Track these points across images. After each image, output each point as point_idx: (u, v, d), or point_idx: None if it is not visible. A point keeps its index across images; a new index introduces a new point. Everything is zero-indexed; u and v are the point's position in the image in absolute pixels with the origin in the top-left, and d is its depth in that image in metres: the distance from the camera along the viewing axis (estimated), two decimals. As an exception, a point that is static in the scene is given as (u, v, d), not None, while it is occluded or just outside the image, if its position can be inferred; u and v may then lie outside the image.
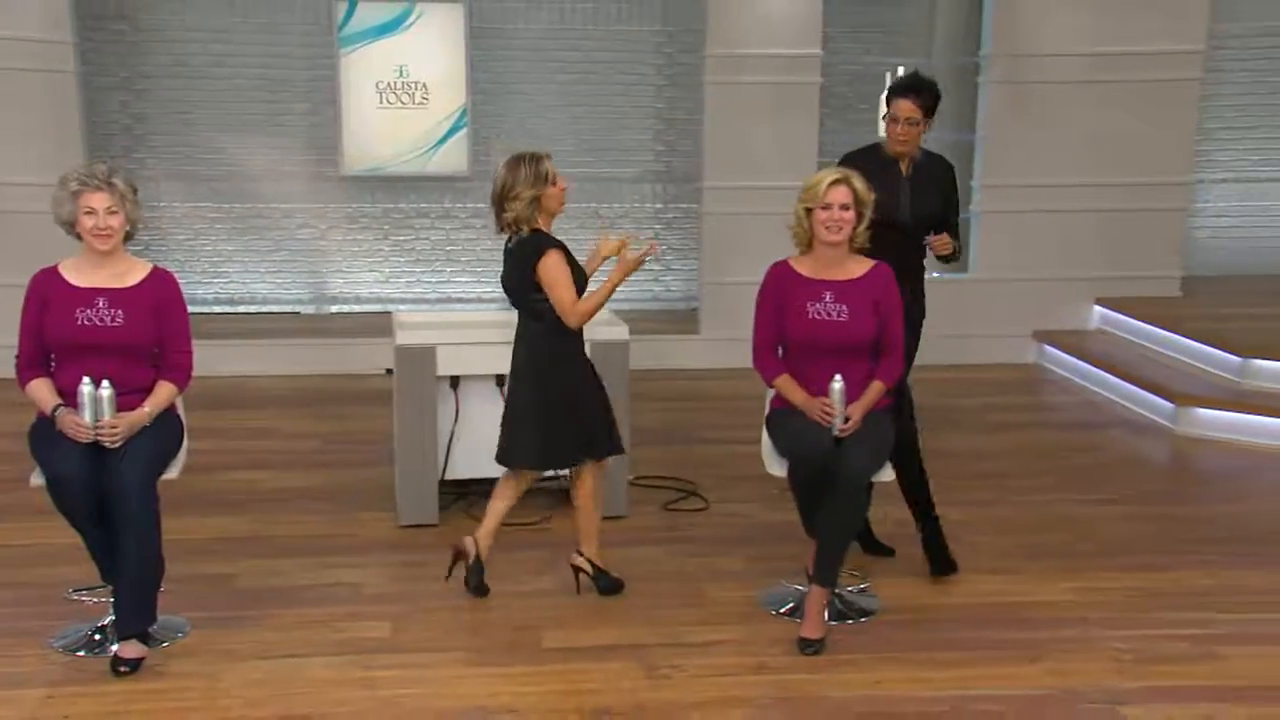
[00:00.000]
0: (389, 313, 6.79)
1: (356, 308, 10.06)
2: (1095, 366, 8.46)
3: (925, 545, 5.11)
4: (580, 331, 4.79)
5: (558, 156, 10.14)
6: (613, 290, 4.69)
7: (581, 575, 4.96)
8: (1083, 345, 8.85)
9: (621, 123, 9.97)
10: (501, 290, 4.96)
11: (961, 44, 9.60)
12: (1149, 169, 9.26)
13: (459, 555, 4.93)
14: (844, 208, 4.51)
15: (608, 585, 4.94)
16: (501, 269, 4.92)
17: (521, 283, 4.75)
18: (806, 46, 8.97)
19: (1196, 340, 8.03)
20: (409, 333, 5.71)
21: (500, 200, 4.74)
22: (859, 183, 4.55)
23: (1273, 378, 7.40)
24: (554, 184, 4.72)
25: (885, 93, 5.16)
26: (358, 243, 10.02)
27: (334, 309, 10.07)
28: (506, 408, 4.90)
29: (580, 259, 4.84)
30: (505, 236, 4.83)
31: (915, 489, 5.10)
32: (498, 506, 4.94)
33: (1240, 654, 4.43)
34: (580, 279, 4.74)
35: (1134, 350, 8.62)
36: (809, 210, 4.57)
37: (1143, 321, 8.73)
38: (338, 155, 9.70)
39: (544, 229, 4.74)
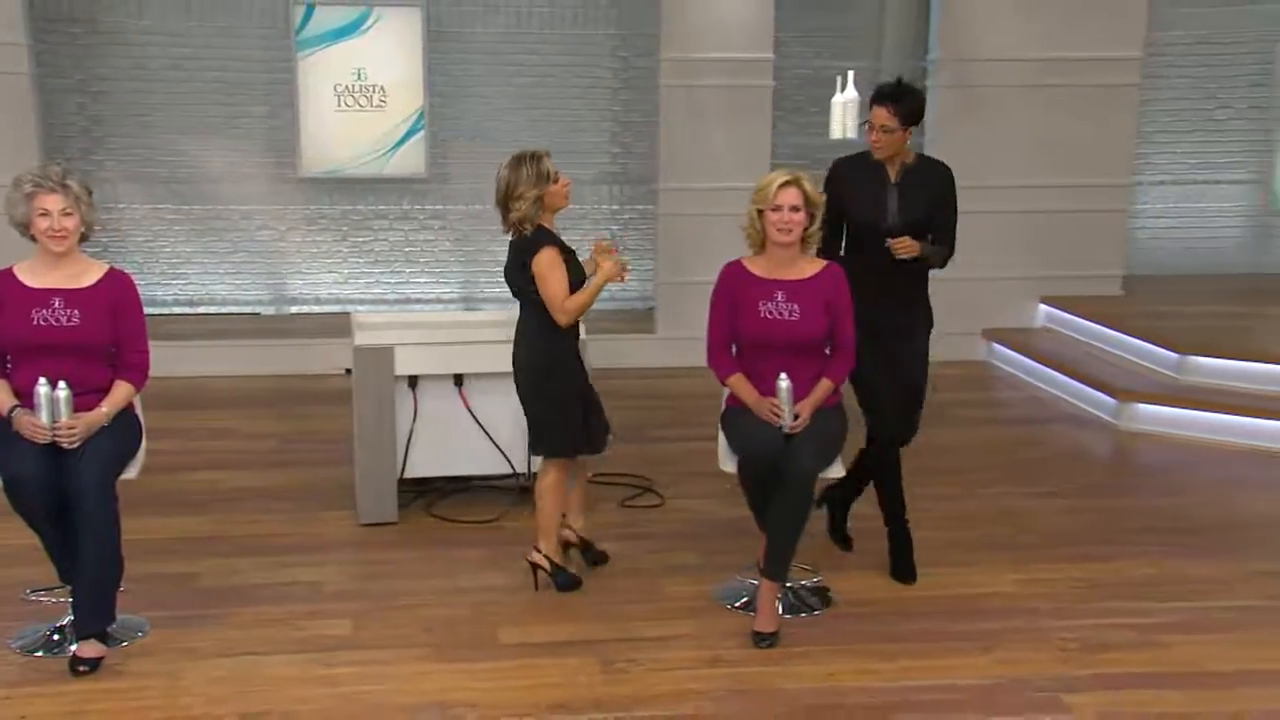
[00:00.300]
0: (348, 313, 6.74)
1: (316, 308, 9.97)
2: (1041, 364, 8.52)
3: (894, 547, 5.12)
4: (575, 330, 4.87)
5: (515, 159, 10.10)
6: (597, 292, 4.78)
7: (540, 572, 4.94)
8: (1029, 343, 8.91)
9: (578, 125, 9.94)
10: (505, 283, 5.02)
11: (910, 48, 9.65)
12: (1091, 171, 9.35)
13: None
14: (794, 209, 4.52)
15: (565, 581, 4.93)
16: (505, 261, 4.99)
17: (519, 276, 4.82)
18: (758, 51, 8.99)
19: (1137, 338, 8.11)
20: (367, 333, 5.67)
21: (505, 201, 4.80)
22: (809, 185, 4.57)
23: (1210, 373, 7.48)
24: (555, 181, 4.80)
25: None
26: (317, 244, 9.94)
27: (293, 310, 9.98)
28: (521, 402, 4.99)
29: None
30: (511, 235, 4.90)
31: (889, 491, 5.09)
32: (556, 505, 4.95)
33: (1181, 641, 4.48)
34: (578, 276, 4.79)
35: (1078, 347, 8.69)
36: (760, 212, 4.58)
37: (1086, 319, 8.80)
38: (296, 158, 9.62)
39: (548, 226, 4.81)
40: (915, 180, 4.95)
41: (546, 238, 4.77)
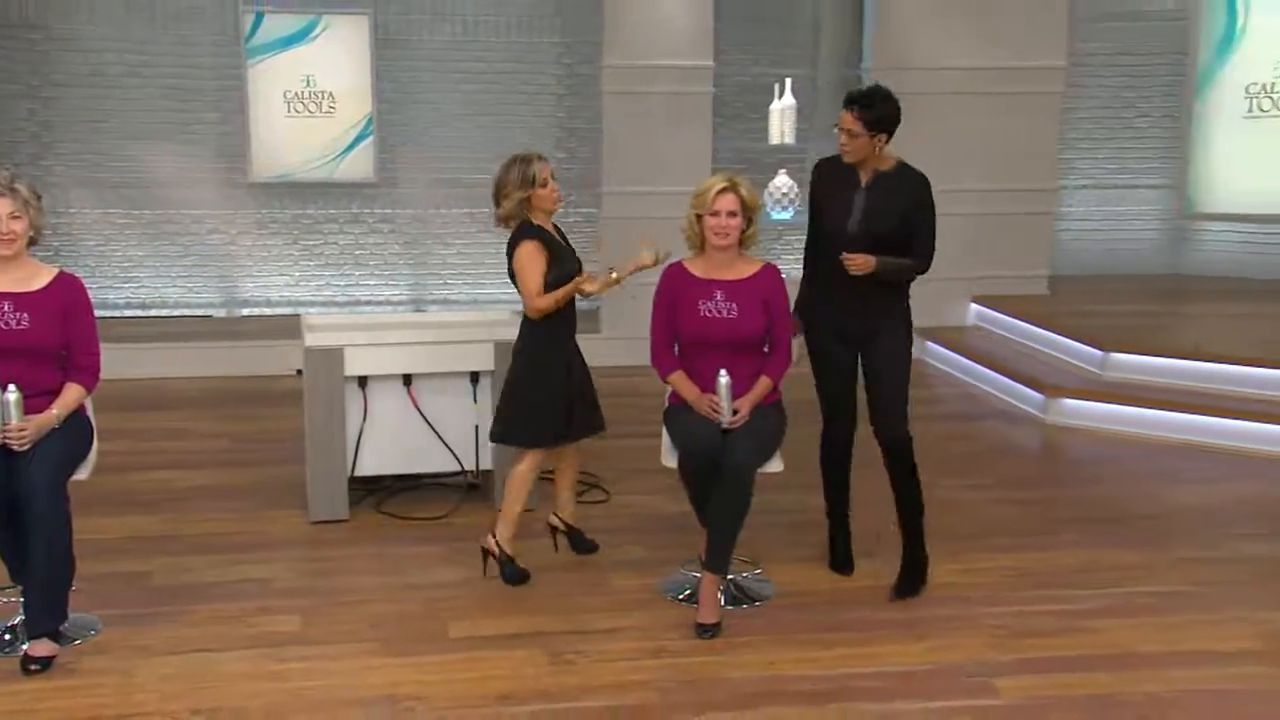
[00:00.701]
0: (299, 315, 6.67)
1: (268, 311, 9.88)
2: (972, 361, 8.60)
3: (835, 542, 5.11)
4: (562, 324, 4.90)
5: (461, 163, 10.18)
6: (566, 296, 4.80)
7: (490, 559, 4.95)
8: (961, 341, 8.99)
9: (524, 131, 9.90)
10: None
11: (845, 57, 9.71)
12: (1018, 176, 9.46)
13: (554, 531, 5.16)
14: (731, 215, 4.54)
15: (513, 574, 4.91)
16: None
17: (508, 267, 4.90)
18: (699, 58, 9.01)
19: (1063, 335, 8.20)
20: (317, 335, 5.61)
21: (496, 198, 4.90)
22: (745, 190, 4.58)
23: (1131, 369, 7.58)
24: (543, 186, 4.83)
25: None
26: (267, 247, 9.84)
27: (245, 312, 9.88)
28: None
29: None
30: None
31: (839, 491, 5.09)
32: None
33: (1105, 626, 4.52)
34: (565, 271, 4.83)
35: (1008, 345, 8.78)
36: (699, 216, 4.59)
37: (1015, 318, 8.89)
38: (247, 163, 9.52)
39: (537, 223, 4.86)
40: (887, 187, 4.71)
41: (529, 233, 4.83)
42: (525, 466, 4.92)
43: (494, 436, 5.01)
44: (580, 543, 5.22)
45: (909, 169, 4.78)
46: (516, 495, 4.93)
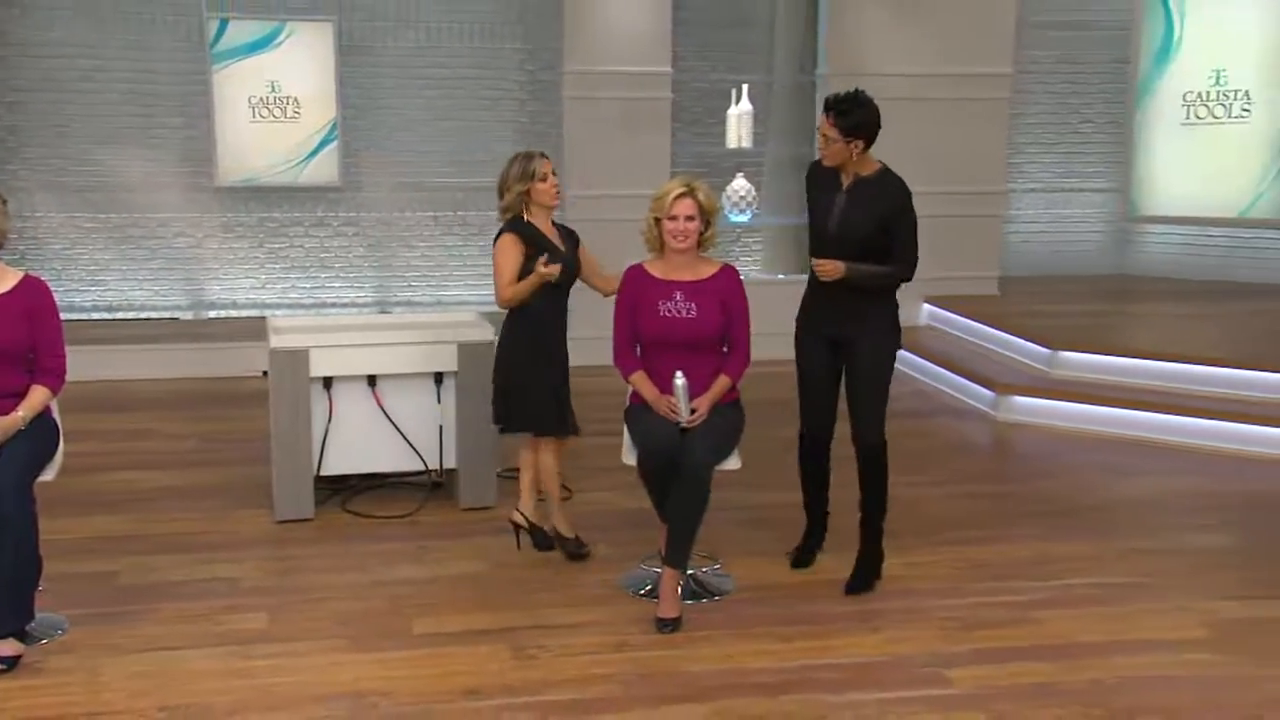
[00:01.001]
0: (265, 317, 6.62)
1: (234, 313, 9.79)
2: (925, 359, 8.64)
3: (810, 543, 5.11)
4: (543, 320, 4.97)
5: (426, 167, 10.16)
6: (530, 287, 4.88)
7: (520, 532, 5.14)
8: (914, 340, 9.01)
9: (487, 136, 9.88)
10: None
11: (800, 64, 9.74)
12: (969, 180, 9.52)
13: (517, 528, 5.19)
14: (689, 219, 4.55)
15: (540, 540, 5.13)
16: None
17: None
18: (657, 64, 9.02)
19: (1013, 334, 8.26)
20: (283, 336, 5.57)
21: (500, 191, 5.03)
22: (703, 194, 4.59)
23: (1078, 367, 7.64)
24: (543, 180, 4.93)
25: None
26: (233, 250, 9.76)
27: (211, 314, 9.79)
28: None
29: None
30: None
31: (814, 490, 5.08)
32: (524, 477, 5.18)
33: (1053, 616, 4.56)
34: (555, 260, 4.90)
35: (959, 344, 8.83)
36: (658, 219, 4.60)
37: (966, 318, 8.95)
38: (212, 167, 9.44)
39: (533, 218, 4.98)
40: (865, 193, 4.65)
41: (508, 226, 4.97)
42: (543, 454, 5.12)
43: (496, 419, 5.17)
44: (538, 538, 5.21)
45: (890, 176, 4.71)
46: (546, 482, 5.15)
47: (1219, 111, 9.57)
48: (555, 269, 4.87)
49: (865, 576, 4.83)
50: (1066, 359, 7.71)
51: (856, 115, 4.58)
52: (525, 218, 4.99)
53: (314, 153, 9.54)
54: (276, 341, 5.50)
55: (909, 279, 4.71)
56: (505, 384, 5.07)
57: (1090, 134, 10.73)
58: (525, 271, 4.92)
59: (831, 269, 4.60)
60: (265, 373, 5.59)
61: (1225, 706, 3.89)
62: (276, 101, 9.44)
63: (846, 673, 4.10)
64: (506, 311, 5.04)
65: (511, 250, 4.93)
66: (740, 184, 8.90)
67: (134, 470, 6.38)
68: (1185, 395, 7.15)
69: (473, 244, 9.98)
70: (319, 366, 5.50)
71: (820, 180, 4.81)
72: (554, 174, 5.02)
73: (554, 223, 5.11)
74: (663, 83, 9.06)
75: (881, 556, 4.89)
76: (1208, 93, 9.60)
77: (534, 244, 4.95)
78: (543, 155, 5.02)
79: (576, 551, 5.12)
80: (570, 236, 5.16)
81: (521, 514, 5.20)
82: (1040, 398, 7.46)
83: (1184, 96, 9.71)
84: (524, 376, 5.02)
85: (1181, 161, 9.75)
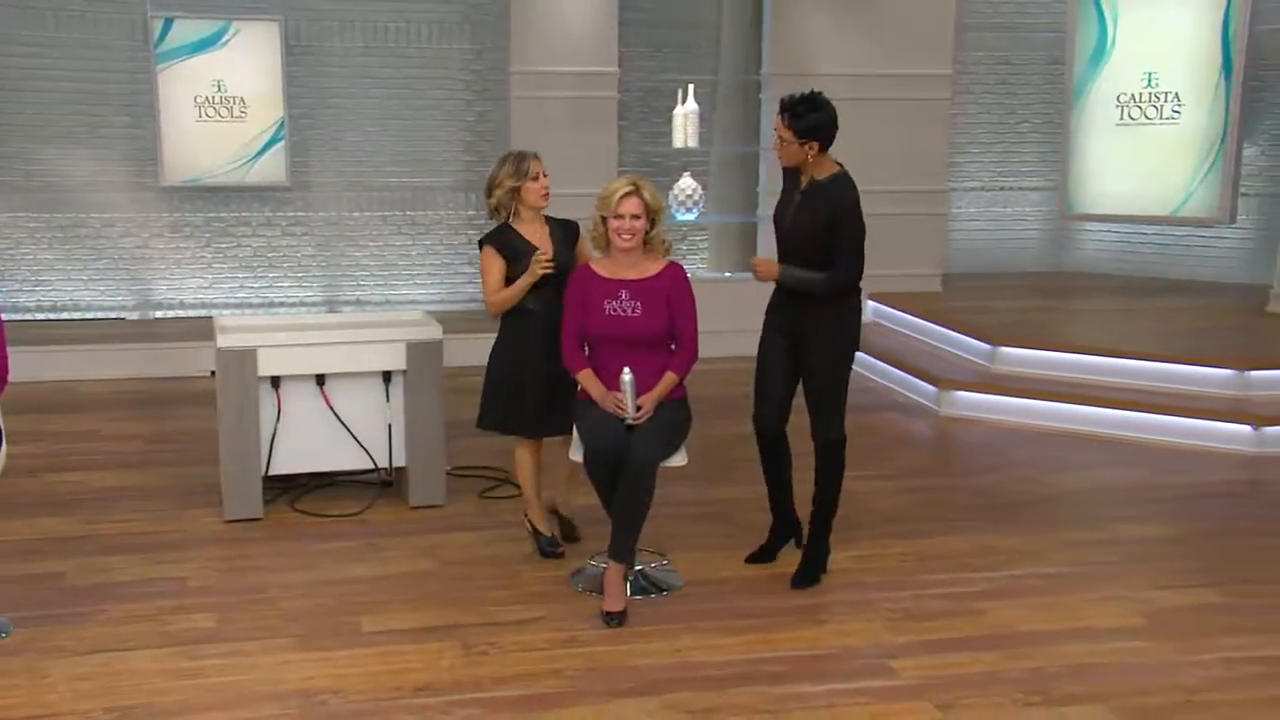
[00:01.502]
0: (212, 317, 6.54)
1: (181, 313, 9.66)
2: (871, 356, 8.67)
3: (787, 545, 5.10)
4: (525, 325, 4.96)
5: (375, 167, 10.08)
6: (518, 292, 4.88)
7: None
8: (860, 337, 9.05)
9: (435, 136, 9.82)
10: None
11: (745, 64, 9.76)
12: (911, 179, 9.60)
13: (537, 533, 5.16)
14: (634, 217, 4.55)
15: (543, 546, 5.10)
16: None
17: None
18: (603, 64, 9.02)
19: (955, 331, 8.33)
20: (230, 336, 5.50)
21: (489, 189, 5.04)
22: (649, 193, 4.58)
23: (1017, 362, 7.72)
24: (534, 179, 4.93)
25: None
26: (180, 250, 9.63)
27: (158, 314, 9.66)
28: None
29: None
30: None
31: (774, 485, 5.07)
32: (522, 477, 5.19)
33: (995, 607, 4.60)
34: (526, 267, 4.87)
35: (903, 340, 8.89)
36: (604, 218, 4.59)
37: (910, 315, 9.02)
38: (158, 167, 9.31)
39: (518, 220, 5.00)
40: (817, 195, 4.63)
41: (486, 238, 5.00)
42: (517, 452, 5.13)
43: (478, 420, 5.17)
44: (566, 531, 5.26)
45: (840, 182, 4.65)
46: (520, 478, 5.18)
47: (1151, 113, 9.70)
48: (538, 268, 4.83)
49: (812, 570, 4.84)
50: (1007, 354, 7.78)
51: (811, 118, 4.56)
52: (510, 220, 4.98)
53: (261, 152, 9.44)
54: (224, 341, 5.44)
55: (848, 286, 4.69)
56: (490, 384, 5.07)
57: (1027, 134, 10.85)
58: (517, 273, 4.90)
59: (766, 272, 4.65)
60: (213, 372, 5.52)
61: (1159, 691, 3.95)
62: (223, 101, 9.32)
63: (794, 665, 4.11)
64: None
65: (490, 262, 4.94)
66: (687, 183, 8.91)
67: (81, 471, 6.28)
68: (1123, 389, 7.24)
69: (421, 243, 9.92)
70: (267, 366, 5.45)
71: (787, 176, 4.82)
72: (545, 175, 5.02)
73: (548, 218, 5.07)
74: (609, 82, 9.05)
75: (828, 551, 4.91)
76: (1140, 94, 9.73)
77: (512, 250, 4.93)
78: (535, 156, 5.02)
79: (551, 549, 5.11)
80: (566, 229, 5.10)
81: (529, 520, 5.20)
82: (982, 393, 7.53)
83: (1117, 98, 9.83)
84: (509, 376, 4.98)
85: (1116, 161, 9.87)
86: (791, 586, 4.77)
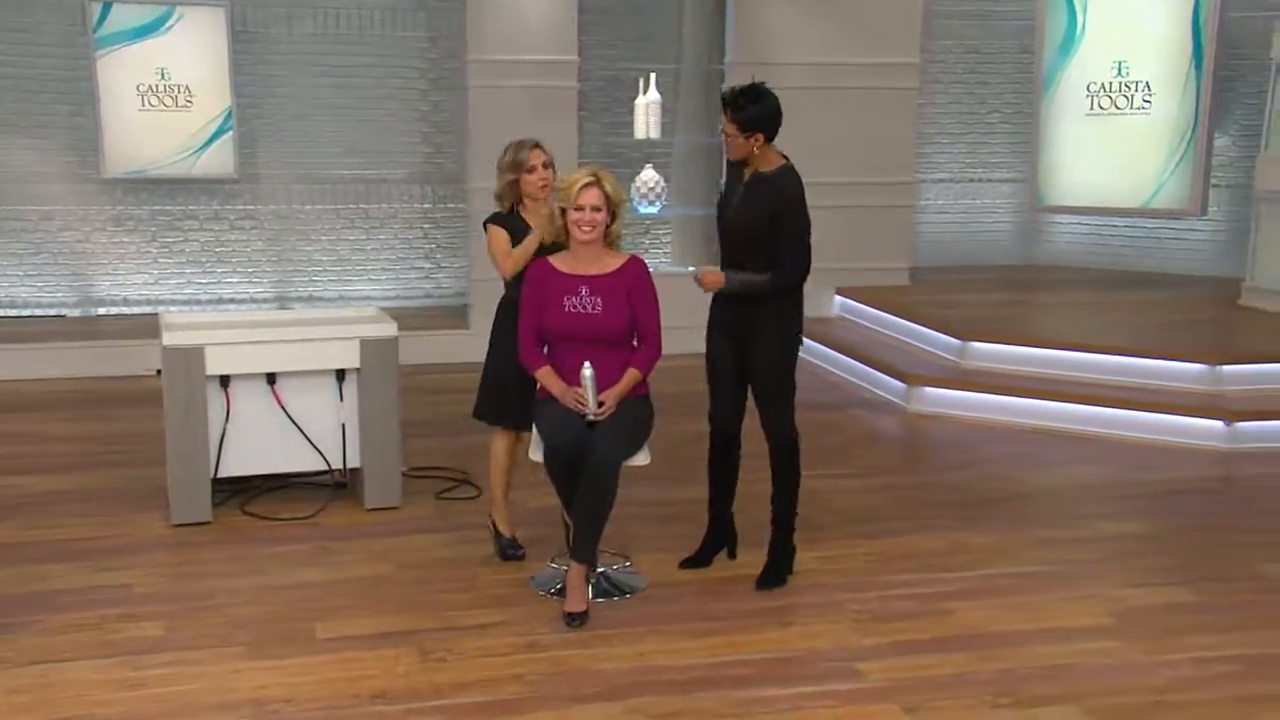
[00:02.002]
0: (158, 314, 6.49)
1: (126, 310, 9.57)
2: (837, 351, 8.72)
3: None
4: (515, 309, 4.89)
5: (327, 158, 10.02)
6: (526, 252, 4.83)
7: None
8: (826, 332, 9.10)
9: (390, 126, 9.77)
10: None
11: (708, 53, 9.77)
12: (878, 170, 9.65)
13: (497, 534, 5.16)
14: (595, 209, 4.54)
15: (501, 549, 5.09)
16: None
17: None
18: (563, 53, 9.00)
19: (924, 325, 8.38)
20: (176, 334, 5.45)
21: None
22: (609, 185, 4.58)
23: (987, 358, 7.78)
24: (530, 172, 4.92)
25: None
26: (124, 245, 9.53)
27: (101, 312, 9.56)
28: None
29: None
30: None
31: (718, 487, 5.08)
32: (494, 470, 5.16)
33: (965, 607, 4.65)
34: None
35: (870, 335, 8.93)
36: (564, 210, 4.58)
37: (877, 309, 9.06)
38: (99, 157, 9.21)
39: (524, 208, 4.99)
40: (760, 189, 4.64)
41: (491, 217, 5.01)
42: (493, 445, 5.12)
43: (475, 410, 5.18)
44: (508, 548, 5.18)
45: (784, 175, 4.66)
46: (491, 474, 5.15)
47: (1121, 102, 9.81)
48: (544, 226, 4.81)
49: (777, 571, 4.87)
50: (977, 349, 7.83)
51: (752, 110, 4.56)
52: (518, 210, 4.99)
53: (208, 143, 9.35)
54: (169, 339, 5.39)
55: (794, 285, 4.71)
56: (485, 376, 5.10)
57: (997, 124, 10.92)
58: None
59: (711, 282, 4.66)
60: (159, 371, 5.47)
61: (1128, 691, 4.00)
62: (167, 90, 9.23)
63: (759, 668, 4.13)
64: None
65: (497, 231, 4.97)
66: (649, 175, 8.92)
67: (20, 475, 6.21)
68: (1094, 384, 7.32)
69: (375, 238, 9.87)
70: (215, 364, 5.41)
71: (731, 170, 4.83)
72: (545, 166, 4.94)
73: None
74: (568, 71, 9.04)
75: (793, 551, 4.94)
76: (1110, 84, 9.83)
77: (513, 229, 4.95)
78: (536, 145, 4.96)
79: (512, 552, 5.11)
80: None
81: (491, 519, 5.21)
82: (951, 389, 7.58)
83: (1087, 87, 9.93)
84: (501, 365, 4.99)
85: (1086, 152, 9.97)
86: (758, 588, 4.80)
